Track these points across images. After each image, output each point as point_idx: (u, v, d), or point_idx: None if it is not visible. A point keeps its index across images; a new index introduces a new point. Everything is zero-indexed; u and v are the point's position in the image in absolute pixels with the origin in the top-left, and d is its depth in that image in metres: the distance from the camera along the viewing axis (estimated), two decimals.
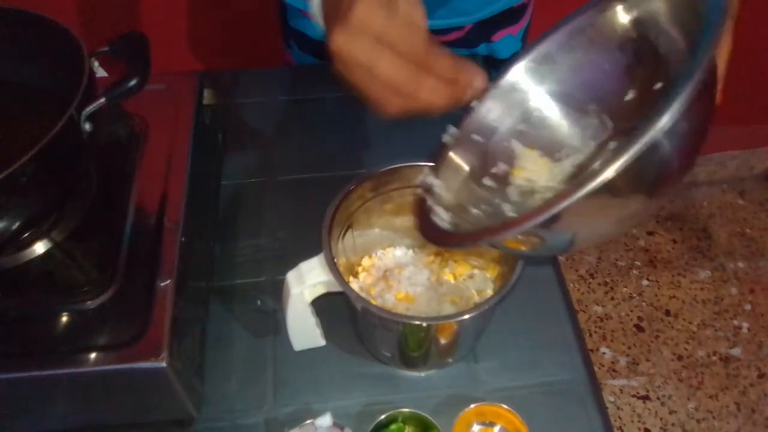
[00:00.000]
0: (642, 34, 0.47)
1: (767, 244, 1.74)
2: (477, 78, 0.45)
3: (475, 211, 0.50)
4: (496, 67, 0.95)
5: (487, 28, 0.90)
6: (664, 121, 0.35)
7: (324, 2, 0.49)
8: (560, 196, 0.37)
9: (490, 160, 0.52)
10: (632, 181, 0.38)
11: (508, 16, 0.90)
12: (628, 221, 0.46)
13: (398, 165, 0.58)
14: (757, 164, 1.86)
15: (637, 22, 0.48)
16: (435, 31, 0.90)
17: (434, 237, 0.48)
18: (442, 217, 0.49)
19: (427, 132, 0.83)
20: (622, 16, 0.48)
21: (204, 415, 0.59)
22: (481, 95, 0.46)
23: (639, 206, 0.44)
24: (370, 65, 0.43)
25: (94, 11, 1.11)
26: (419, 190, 0.52)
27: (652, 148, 0.36)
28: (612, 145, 0.48)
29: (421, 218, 0.51)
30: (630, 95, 0.48)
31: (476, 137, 0.53)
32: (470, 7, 0.86)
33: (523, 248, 0.47)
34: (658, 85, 0.45)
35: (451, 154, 0.53)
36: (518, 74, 0.52)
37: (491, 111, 0.53)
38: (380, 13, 0.43)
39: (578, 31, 0.51)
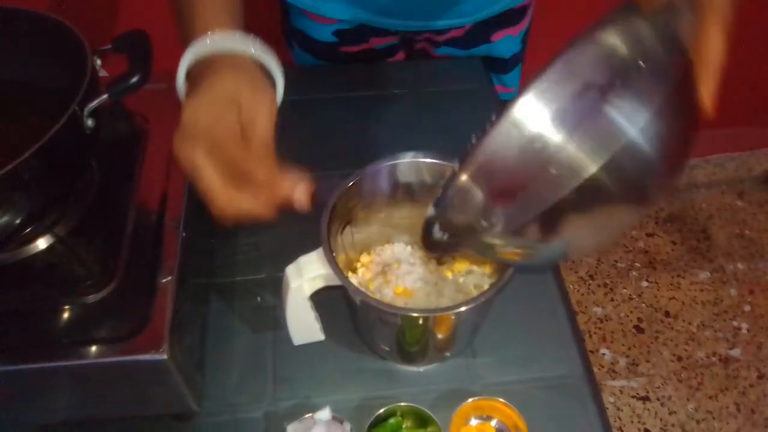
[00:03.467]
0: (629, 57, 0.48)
1: (766, 246, 1.74)
2: (297, 191, 0.46)
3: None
4: (494, 67, 0.96)
5: (486, 28, 0.91)
6: (637, 122, 0.37)
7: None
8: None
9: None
10: (615, 181, 0.40)
11: (509, 17, 0.91)
12: (617, 226, 0.47)
13: (396, 161, 0.59)
14: (755, 166, 1.87)
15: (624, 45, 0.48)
16: (434, 32, 0.91)
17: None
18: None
19: (424, 131, 0.84)
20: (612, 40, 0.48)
21: (204, 410, 0.59)
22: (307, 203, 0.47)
23: (627, 211, 0.45)
24: (192, 174, 0.45)
25: (97, 11, 1.12)
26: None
27: (629, 146, 0.37)
28: None
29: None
30: None
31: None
32: (470, 8, 0.86)
33: (518, 258, 0.49)
34: None
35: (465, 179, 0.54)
36: (521, 108, 0.52)
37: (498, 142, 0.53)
38: (207, 116, 0.45)
39: (571, 62, 0.50)
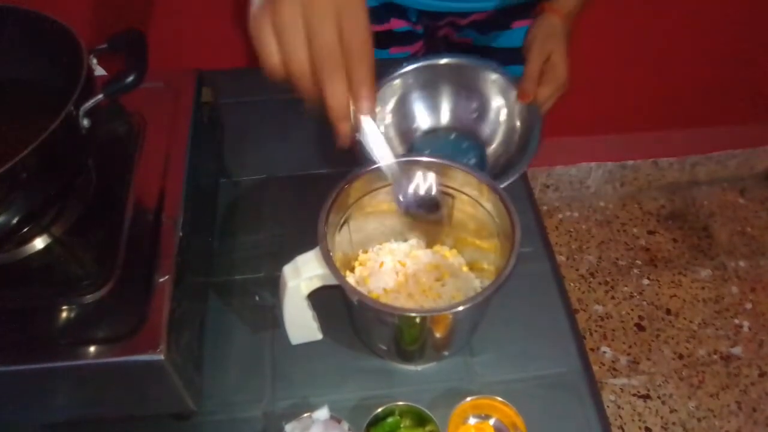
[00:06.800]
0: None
1: None
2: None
3: None
4: (514, 59, 0.96)
5: (508, 15, 0.91)
6: None
7: None
8: None
9: None
10: None
11: (529, 9, 0.91)
12: None
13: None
14: (757, 163, 1.86)
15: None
16: (456, 14, 0.91)
17: None
18: None
19: None
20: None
21: (202, 409, 0.59)
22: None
23: None
24: (310, 34, 0.42)
25: (93, 10, 1.12)
26: None
27: None
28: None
29: None
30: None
31: None
32: None
33: None
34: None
35: None
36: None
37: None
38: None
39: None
